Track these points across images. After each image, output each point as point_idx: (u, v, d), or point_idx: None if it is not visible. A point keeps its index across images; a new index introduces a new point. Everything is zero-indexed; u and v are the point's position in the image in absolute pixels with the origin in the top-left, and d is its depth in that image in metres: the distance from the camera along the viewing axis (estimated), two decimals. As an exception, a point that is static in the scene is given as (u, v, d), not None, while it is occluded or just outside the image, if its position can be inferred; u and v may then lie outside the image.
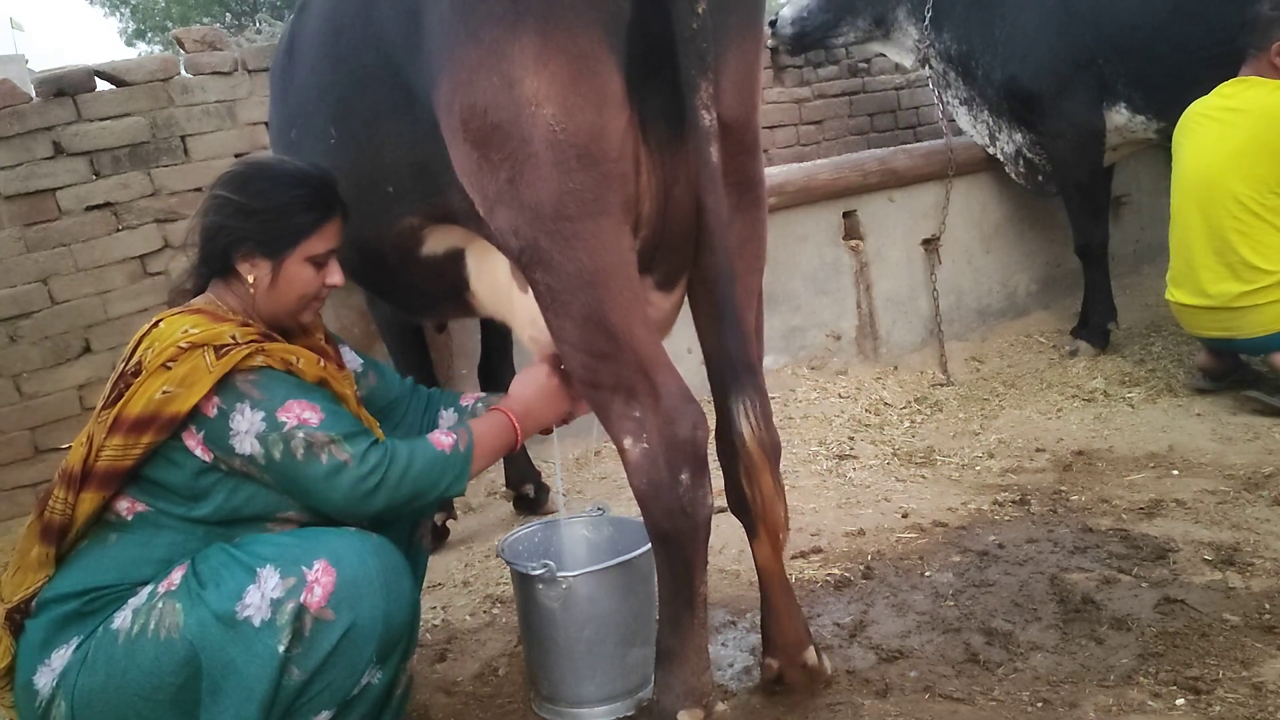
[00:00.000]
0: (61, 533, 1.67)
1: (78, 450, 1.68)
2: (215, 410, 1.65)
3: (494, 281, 2.08)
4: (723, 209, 1.67)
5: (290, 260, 1.79)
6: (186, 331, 1.67)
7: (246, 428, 1.65)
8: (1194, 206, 3.42)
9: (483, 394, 2.16)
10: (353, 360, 2.03)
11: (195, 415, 1.65)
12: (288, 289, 1.81)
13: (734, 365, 1.72)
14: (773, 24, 5.04)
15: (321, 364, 1.79)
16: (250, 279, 1.79)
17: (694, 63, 1.60)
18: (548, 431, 2.05)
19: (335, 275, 1.87)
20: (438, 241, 2.13)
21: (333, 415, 1.71)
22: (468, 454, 1.79)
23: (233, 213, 1.77)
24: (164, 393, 1.62)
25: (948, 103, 4.64)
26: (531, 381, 1.98)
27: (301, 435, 1.65)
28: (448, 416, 2.10)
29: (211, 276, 1.83)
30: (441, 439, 1.79)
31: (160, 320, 1.74)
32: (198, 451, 1.67)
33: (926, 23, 4.46)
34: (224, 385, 1.65)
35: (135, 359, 1.68)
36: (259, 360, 1.68)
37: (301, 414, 1.67)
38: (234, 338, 1.68)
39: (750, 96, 1.79)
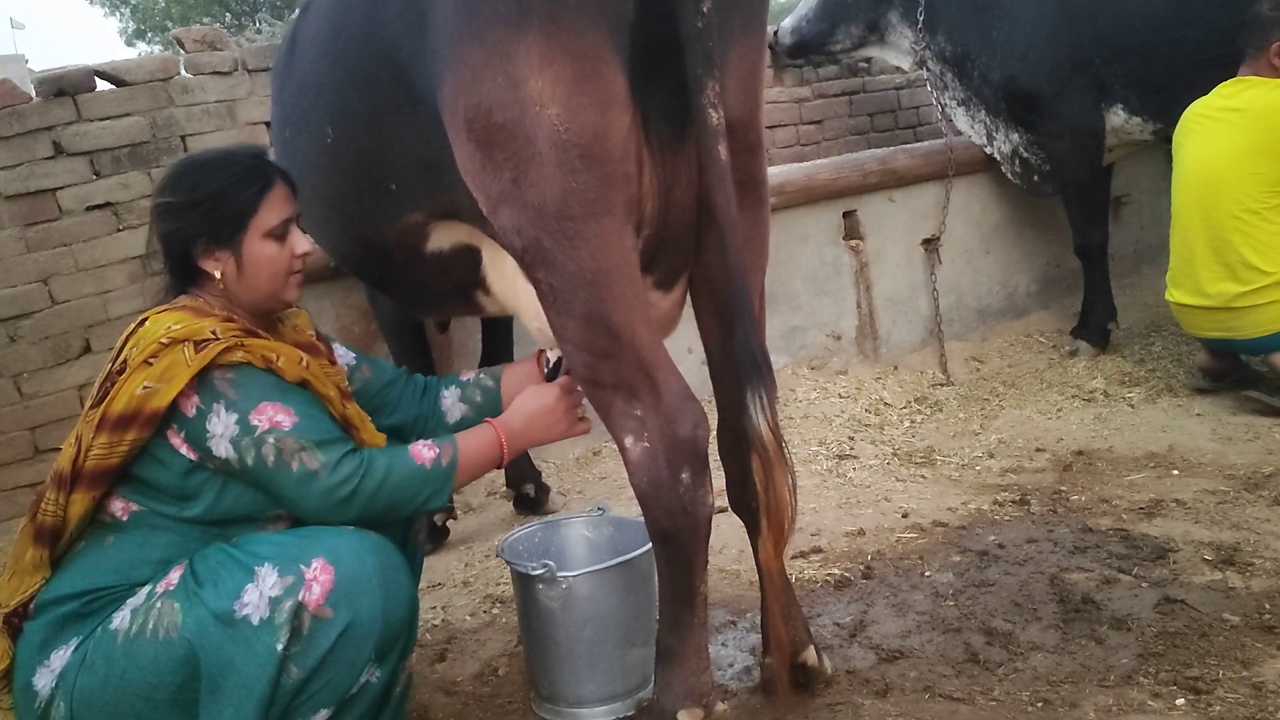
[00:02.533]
0: (54, 535, 1.67)
1: (67, 451, 1.68)
2: (194, 410, 1.64)
3: (503, 273, 2.08)
4: (733, 207, 1.67)
5: (248, 241, 1.77)
6: (169, 328, 1.66)
7: (222, 430, 1.64)
8: (1194, 207, 3.42)
9: (482, 370, 2.16)
10: (344, 356, 2.03)
11: (176, 414, 1.64)
12: (256, 271, 1.78)
13: (749, 359, 1.71)
14: (775, 34, 5.09)
15: (304, 363, 1.77)
16: (217, 274, 1.77)
17: (700, 62, 1.60)
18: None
19: (302, 243, 1.84)
20: (443, 237, 2.13)
21: (307, 419, 1.69)
22: (450, 469, 1.78)
23: (175, 214, 1.76)
24: (144, 388, 1.62)
25: (945, 104, 4.64)
26: (537, 399, 1.95)
27: (272, 440, 1.65)
28: (450, 394, 2.11)
29: (185, 284, 1.81)
30: (423, 452, 1.77)
31: (146, 318, 1.73)
32: (183, 450, 1.67)
33: (920, 26, 4.47)
34: (203, 383, 1.64)
35: (121, 358, 1.68)
36: (238, 356, 1.66)
37: (274, 416, 1.66)
38: (214, 333, 1.67)
39: (754, 95, 1.79)
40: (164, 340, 1.64)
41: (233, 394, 1.66)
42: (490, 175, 1.68)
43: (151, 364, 1.63)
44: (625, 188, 1.64)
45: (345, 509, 1.69)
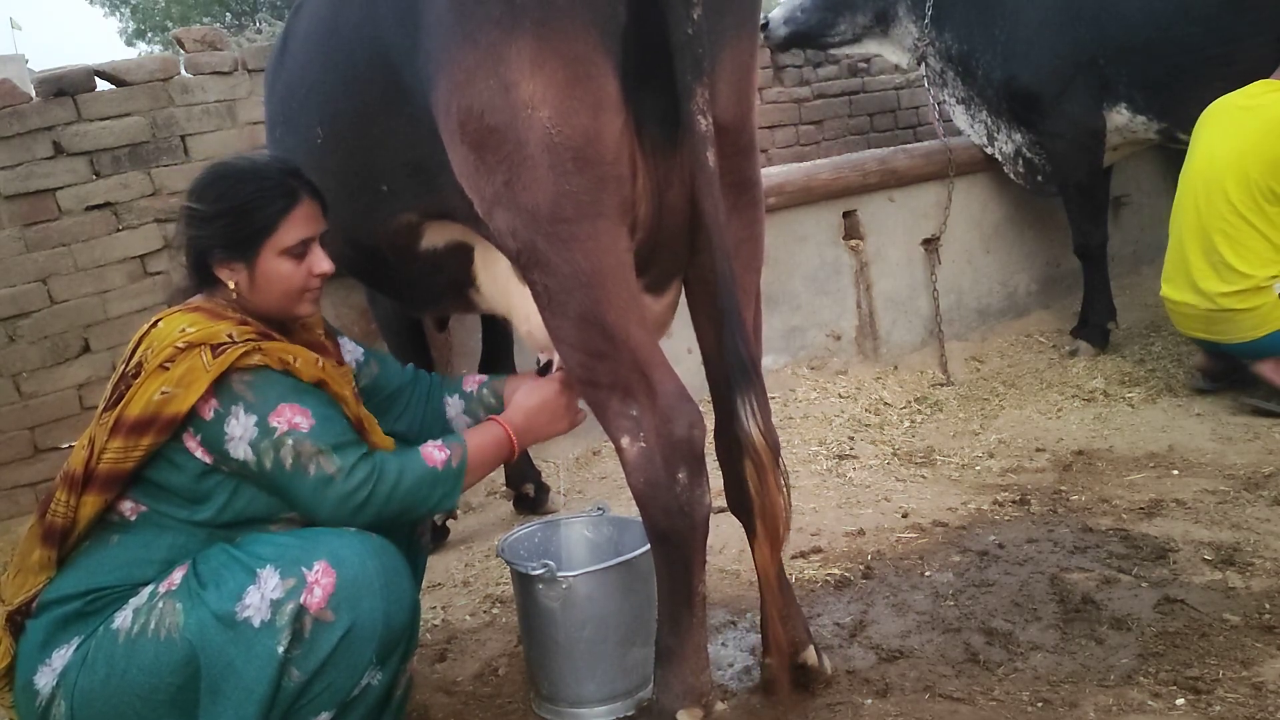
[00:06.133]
0: (63, 536, 1.67)
1: (79, 452, 1.67)
2: (212, 413, 1.64)
3: (494, 274, 2.09)
4: (720, 212, 1.67)
5: (263, 258, 1.77)
6: (184, 331, 1.66)
7: (240, 433, 1.64)
8: (1192, 203, 3.40)
9: (485, 377, 2.15)
10: (353, 351, 2.03)
11: (193, 417, 1.64)
12: (268, 287, 1.78)
13: (738, 365, 1.72)
14: (764, 26, 4.99)
15: (320, 364, 1.78)
16: (231, 284, 1.78)
17: (689, 67, 1.60)
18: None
19: (322, 264, 1.82)
20: (437, 236, 2.14)
21: (324, 421, 1.70)
22: (460, 470, 1.79)
23: (198, 222, 1.77)
24: (162, 394, 1.62)
25: (944, 101, 4.62)
26: (538, 394, 1.96)
27: (290, 443, 1.65)
28: (454, 403, 2.10)
29: (201, 285, 1.82)
30: (434, 454, 1.77)
31: (159, 320, 1.73)
32: (198, 453, 1.67)
33: (927, 20, 4.44)
34: (221, 386, 1.64)
35: (135, 360, 1.68)
36: (256, 359, 1.67)
37: (293, 418, 1.66)
38: (231, 336, 1.67)
39: (746, 98, 1.79)
40: (180, 345, 1.64)
41: (251, 396, 1.66)
42: (484, 178, 1.68)
43: (168, 368, 1.63)
44: (618, 190, 1.64)
45: (360, 514, 1.69)
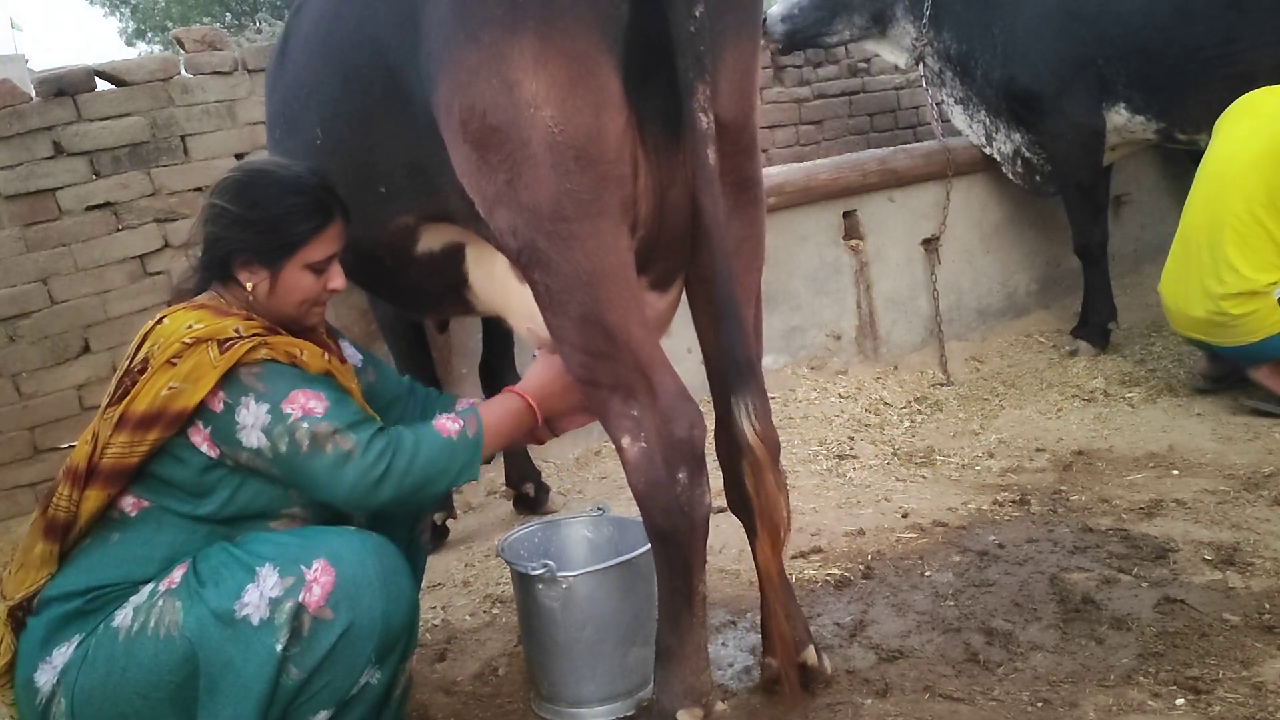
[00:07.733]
0: (65, 530, 1.67)
1: (83, 448, 1.68)
2: (221, 405, 1.65)
3: (490, 273, 2.08)
4: (720, 210, 1.67)
5: (288, 269, 1.78)
6: (190, 327, 1.67)
7: (252, 421, 1.65)
8: (1204, 199, 3.35)
9: (480, 401, 2.14)
10: (353, 356, 2.03)
11: (201, 411, 1.65)
12: (286, 296, 1.80)
13: (734, 365, 1.72)
14: (764, 25, 4.97)
15: (326, 357, 1.79)
16: (249, 286, 1.79)
17: (691, 65, 1.61)
18: (541, 441, 2.03)
19: (337, 280, 1.86)
20: (434, 238, 2.13)
21: (337, 404, 1.71)
22: (477, 439, 1.77)
23: (229, 223, 1.77)
24: (169, 389, 1.63)
25: (942, 101, 4.62)
26: (551, 368, 1.92)
27: (306, 426, 1.65)
28: None
29: (212, 280, 1.83)
30: (447, 425, 1.76)
31: (164, 316, 1.74)
32: (204, 447, 1.67)
33: (925, 20, 4.44)
34: (228, 380, 1.65)
35: (140, 355, 1.69)
36: (263, 353, 1.68)
37: (306, 404, 1.67)
38: (237, 331, 1.68)
39: (747, 97, 1.79)
40: (187, 340, 1.65)
41: (261, 386, 1.67)
42: (485, 177, 1.68)
43: (175, 364, 1.64)
44: (620, 189, 1.64)
45: (379, 490, 1.67)
